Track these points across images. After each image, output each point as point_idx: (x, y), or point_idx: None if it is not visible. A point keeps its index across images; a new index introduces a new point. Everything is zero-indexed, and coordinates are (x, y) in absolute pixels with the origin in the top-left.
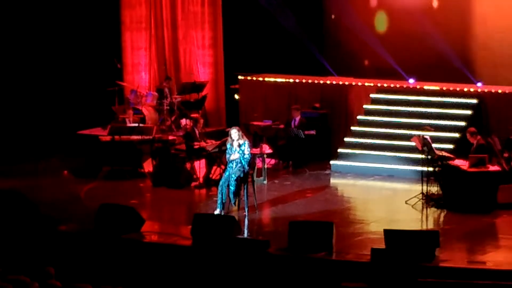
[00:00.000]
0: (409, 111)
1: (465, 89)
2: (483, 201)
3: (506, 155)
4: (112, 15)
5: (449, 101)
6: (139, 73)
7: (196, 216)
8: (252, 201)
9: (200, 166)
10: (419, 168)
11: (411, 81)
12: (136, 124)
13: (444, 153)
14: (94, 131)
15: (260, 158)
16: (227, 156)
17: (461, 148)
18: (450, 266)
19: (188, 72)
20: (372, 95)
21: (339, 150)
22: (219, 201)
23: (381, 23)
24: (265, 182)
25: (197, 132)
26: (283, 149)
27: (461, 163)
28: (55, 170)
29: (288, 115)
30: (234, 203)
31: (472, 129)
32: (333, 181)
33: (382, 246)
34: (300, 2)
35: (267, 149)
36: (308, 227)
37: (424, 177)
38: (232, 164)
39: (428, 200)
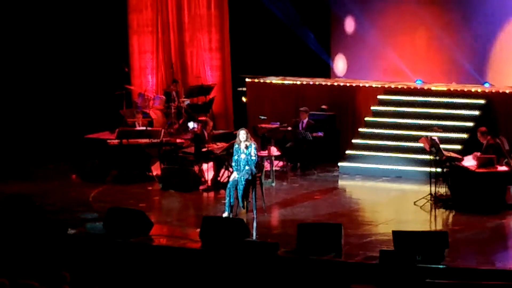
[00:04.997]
0: (416, 112)
1: (473, 90)
2: (491, 201)
3: None
4: (119, 19)
5: (456, 102)
6: (147, 77)
7: (205, 219)
8: (261, 204)
9: (208, 169)
10: (427, 169)
11: (419, 82)
12: (144, 128)
13: (452, 154)
14: (102, 135)
15: (268, 161)
16: (234, 158)
17: (469, 148)
18: (459, 267)
19: (195, 75)
20: (379, 97)
21: (347, 151)
22: (227, 204)
23: None
24: (273, 184)
25: (206, 134)
26: (291, 151)
27: (469, 160)
28: (63, 174)
29: (295, 117)
30: (243, 206)
31: (483, 128)
32: (341, 182)
33: (391, 247)
34: (307, 4)
35: (275, 152)
36: (317, 229)
37: (433, 178)
38: (239, 166)
39: (437, 201)
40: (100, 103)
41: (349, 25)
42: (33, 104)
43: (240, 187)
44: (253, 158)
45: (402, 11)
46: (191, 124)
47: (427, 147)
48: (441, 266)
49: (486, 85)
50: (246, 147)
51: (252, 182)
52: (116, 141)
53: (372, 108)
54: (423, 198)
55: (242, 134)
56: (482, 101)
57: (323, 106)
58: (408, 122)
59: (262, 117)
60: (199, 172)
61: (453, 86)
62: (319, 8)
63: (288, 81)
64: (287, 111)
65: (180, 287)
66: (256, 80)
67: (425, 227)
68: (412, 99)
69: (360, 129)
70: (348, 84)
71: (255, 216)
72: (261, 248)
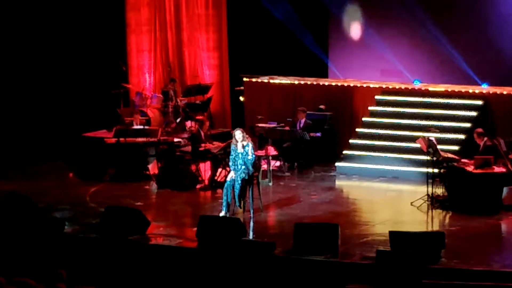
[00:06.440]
0: (414, 112)
1: (470, 91)
2: (488, 202)
3: (511, 156)
4: (117, 18)
5: (454, 103)
6: (144, 76)
7: (202, 218)
8: (257, 203)
9: (205, 168)
10: (424, 169)
11: (416, 82)
12: (141, 126)
13: (449, 155)
14: (99, 133)
15: (265, 160)
16: (231, 157)
17: (466, 149)
18: (455, 268)
19: (193, 74)
20: (377, 97)
21: (344, 151)
22: (224, 203)
23: None
24: (270, 184)
25: (202, 134)
26: (288, 151)
27: (466, 162)
28: (60, 172)
29: (293, 117)
30: (240, 205)
31: (480, 130)
32: (338, 182)
33: (388, 248)
34: (305, 4)
35: (272, 151)
36: (314, 229)
37: (429, 179)
38: (236, 166)
39: (434, 201)
40: (98, 102)
41: (347, 25)
42: (31, 102)
43: (237, 187)
44: (250, 157)
45: (399, 11)
46: (188, 123)
47: (424, 148)
48: (437, 267)
49: (484, 85)
50: (243, 147)
51: (249, 182)
52: (114, 139)
53: (369, 108)
54: (420, 198)
55: (237, 134)
56: (479, 102)
57: (321, 106)
58: (406, 123)
59: (259, 117)
60: (196, 171)
61: (451, 87)
62: (317, 8)
63: (286, 80)
64: (284, 111)
65: (177, 286)
66: (253, 80)
67: (422, 228)
68: (410, 99)
69: (357, 129)
70: (345, 84)
71: (252, 215)
72: (258, 248)
